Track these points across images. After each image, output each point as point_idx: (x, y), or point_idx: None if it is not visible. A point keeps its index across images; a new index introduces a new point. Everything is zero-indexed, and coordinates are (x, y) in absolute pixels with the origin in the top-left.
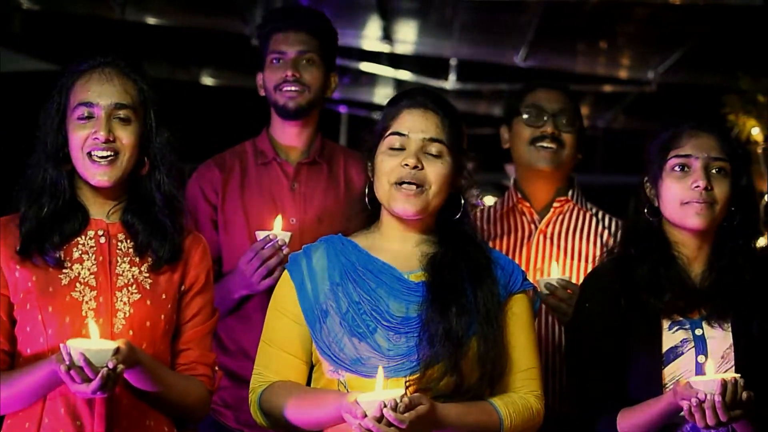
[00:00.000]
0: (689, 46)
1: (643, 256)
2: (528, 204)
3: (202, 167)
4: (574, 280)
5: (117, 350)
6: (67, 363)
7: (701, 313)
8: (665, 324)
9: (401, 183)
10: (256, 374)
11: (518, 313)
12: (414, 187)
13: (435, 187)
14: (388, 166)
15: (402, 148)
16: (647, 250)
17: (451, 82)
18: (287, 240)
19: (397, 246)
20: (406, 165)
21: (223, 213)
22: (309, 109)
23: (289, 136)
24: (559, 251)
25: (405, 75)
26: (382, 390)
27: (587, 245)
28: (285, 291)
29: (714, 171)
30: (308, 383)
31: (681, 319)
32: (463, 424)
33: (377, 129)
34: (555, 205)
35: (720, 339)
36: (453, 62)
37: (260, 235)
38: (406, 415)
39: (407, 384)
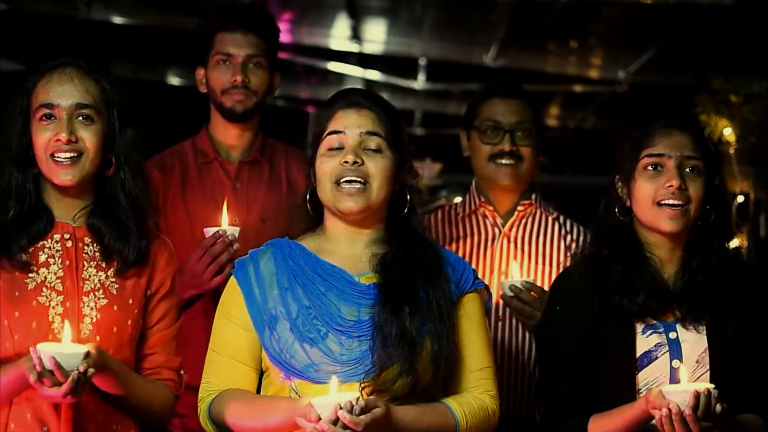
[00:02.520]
0: (660, 46)
1: (615, 258)
2: (491, 208)
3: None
4: (538, 284)
5: (87, 354)
6: (38, 367)
7: (675, 315)
8: (639, 328)
9: (343, 181)
10: (205, 383)
11: (470, 312)
12: (357, 184)
13: (377, 181)
14: (329, 167)
15: (340, 147)
16: (619, 251)
17: (420, 82)
18: (237, 235)
19: (346, 248)
20: (346, 162)
21: (164, 214)
22: (255, 112)
23: (231, 136)
24: (523, 254)
25: (374, 75)
26: (337, 393)
27: (551, 249)
28: (232, 297)
29: (687, 170)
30: (258, 391)
31: (655, 322)
32: (418, 426)
33: (314, 134)
34: (519, 208)
35: (694, 342)
36: (422, 62)
37: (209, 231)
38: (361, 417)
39: (362, 386)
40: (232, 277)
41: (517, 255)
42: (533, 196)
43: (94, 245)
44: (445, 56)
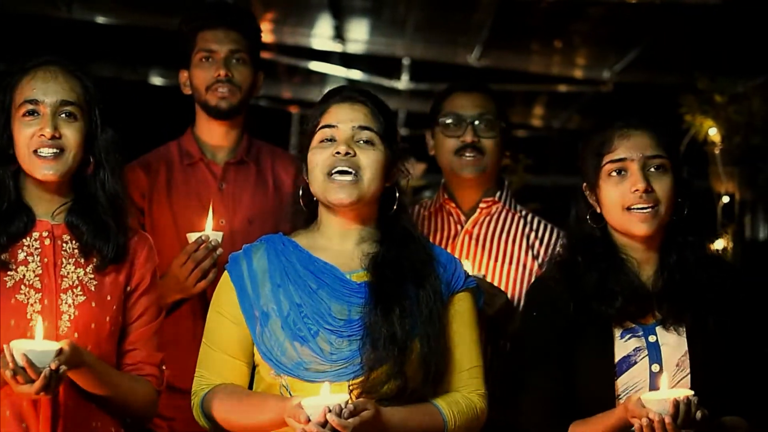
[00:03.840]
0: (645, 46)
1: (590, 265)
2: (454, 204)
3: (125, 169)
4: (497, 282)
5: (60, 351)
6: (11, 364)
7: (656, 317)
8: (617, 332)
9: (335, 172)
10: (198, 377)
11: (461, 311)
12: (348, 175)
13: (369, 173)
14: (320, 158)
15: (333, 139)
16: (594, 258)
17: (404, 82)
18: (220, 240)
19: (338, 245)
20: (338, 153)
21: (150, 216)
22: (240, 109)
23: (217, 136)
24: (483, 252)
25: (357, 75)
26: (327, 394)
27: (513, 247)
28: (225, 292)
29: (652, 169)
30: (251, 385)
31: (633, 326)
32: (407, 427)
33: (307, 128)
34: (481, 205)
35: (674, 346)
36: (406, 62)
37: (192, 237)
38: (350, 420)
39: (350, 388)
40: (226, 272)
41: (476, 252)
42: (498, 194)
43: (73, 242)
44: (428, 56)
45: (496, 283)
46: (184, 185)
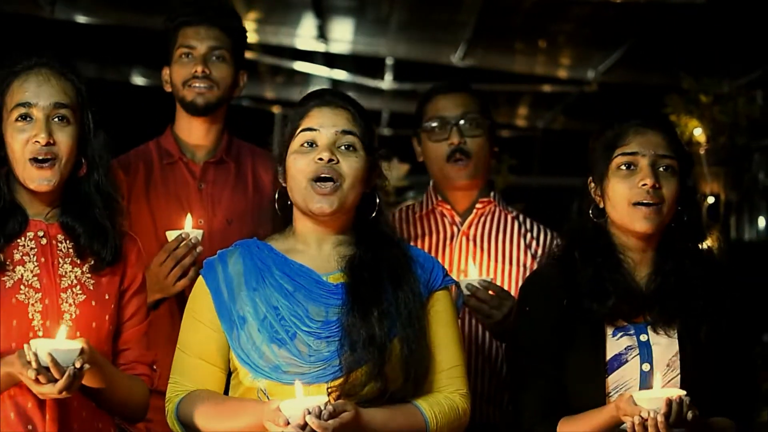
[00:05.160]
0: (630, 46)
1: (587, 260)
2: (448, 206)
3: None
4: (498, 282)
5: (82, 350)
6: (34, 363)
7: (647, 318)
8: (609, 330)
9: (317, 179)
10: (173, 383)
11: (440, 310)
12: (330, 183)
13: (350, 181)
14: (302, 163)
15: (313, 143)
16: (591, 254)
17: (387, 82)
18: (200, 237)
19: (315, 248)
20: (321, 159)
21: (128, 215)
22: (217, 106)
23: (196, 135)
24: (482, 253)
25: (340, 74)
26: (305, 397)
27: (511, 247)
28: (200, 297)
29: (661, 169)
30: (226, 391)
31: (626, 324)
32: (388, 429)
33: (286, 131)
34: (478, 206)
35: (665, 346)
36: (389, 61)
37: (171, 235)
38: (330, 422)
39: (329, 390)
40: (201, 277)
41: (476, 253)
42: (492, 194)
43: (67, 242)
44: (412, 56)
45: (498, 284)
46: (163, 185)
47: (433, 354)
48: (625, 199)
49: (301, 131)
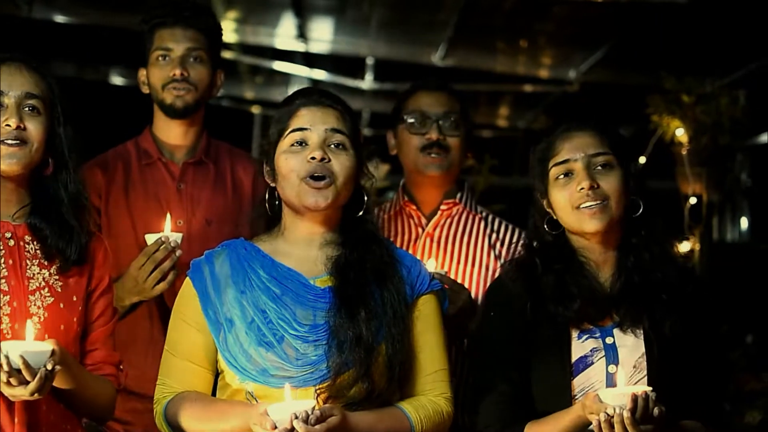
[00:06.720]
0: (612, 45)
1: (547, 268)
2: (415, 207)
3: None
4: (459, 282)
5: (53, 351)
6: (5, 366)
7: (613, 319)
8: (574, 333)
9: (311, 177)
10: (160, 384)
11: (426, 314)
12: (324, 180)
13: (342, 179)
14: (294, 162)
15: (304, 143)
16: (552, 261)
17: (367, 82)
18: (179, 241)
19: (302, 250)
20: (313, 158)
21: (106, 216)
22: (196, 108)
23: (175, 135)
24: (445, 254)
25: (320, 74)
26: (293, 401)
27: (474, 248)
28: (187, 299)
29: (598, 168)
30: (214, 392)
31: (591, 327)
32: None
33: (273, 132)
34: (442, 207)
35: (632, 347)
36: (370, 61)
37: (150, 238)
38: (317, 426)
39: (317, 393)
40: (188, 278)
41: (438, 254)
42: (459, 195)
43: (35, 243)
44: (392, 56)
45: (459, 281)
46: (141, 185)
47: (417, 357)
48: (569, 205)
49: (292, 131)
